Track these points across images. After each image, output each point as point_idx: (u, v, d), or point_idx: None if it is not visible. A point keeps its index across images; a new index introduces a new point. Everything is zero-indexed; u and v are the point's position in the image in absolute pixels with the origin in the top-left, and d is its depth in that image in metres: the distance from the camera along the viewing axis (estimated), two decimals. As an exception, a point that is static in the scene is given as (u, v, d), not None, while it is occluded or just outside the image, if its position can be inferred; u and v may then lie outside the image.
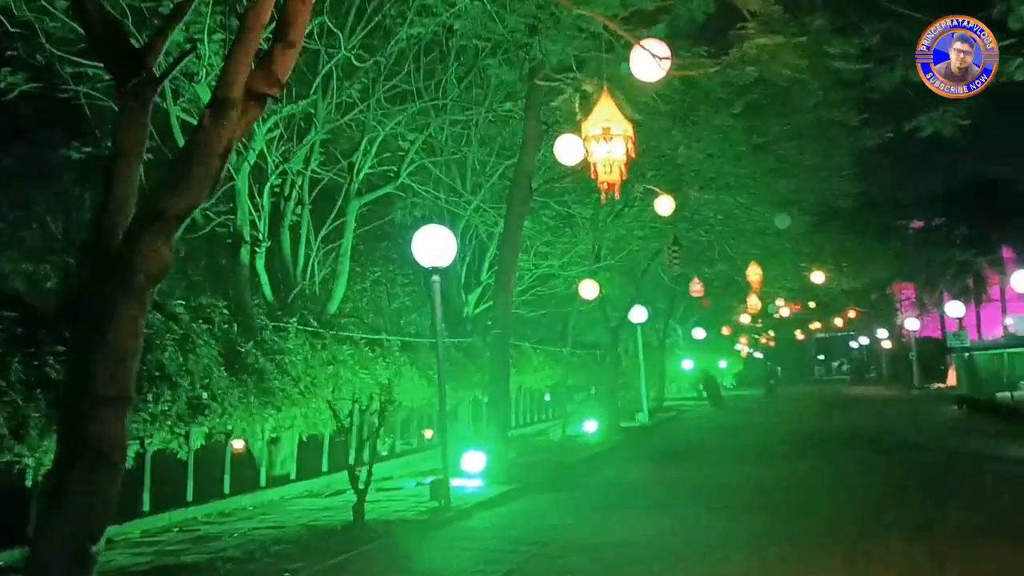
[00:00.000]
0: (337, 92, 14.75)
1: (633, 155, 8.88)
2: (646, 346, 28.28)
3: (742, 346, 54.98)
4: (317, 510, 11.68)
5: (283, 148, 15.05)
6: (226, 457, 12.33)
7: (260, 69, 5.79)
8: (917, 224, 50.33)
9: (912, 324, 43.20)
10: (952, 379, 39.19)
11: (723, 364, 51.93)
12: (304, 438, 14.47)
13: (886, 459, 16.48)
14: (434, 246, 11.28)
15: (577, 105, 12.47)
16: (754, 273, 23.17)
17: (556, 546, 9.23)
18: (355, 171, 16.04)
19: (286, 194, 15.70)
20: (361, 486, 10.10)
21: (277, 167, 14.75)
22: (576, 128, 12.05)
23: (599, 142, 9.54)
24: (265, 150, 14.28)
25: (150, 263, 5.46)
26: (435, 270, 11.44)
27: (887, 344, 54.08)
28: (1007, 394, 26.18)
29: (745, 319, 40.20)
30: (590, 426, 22.58)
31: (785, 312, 37.89)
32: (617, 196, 8.57)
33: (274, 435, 13.49)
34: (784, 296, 31.82)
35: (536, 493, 13.20)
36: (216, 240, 15.28)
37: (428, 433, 19.38)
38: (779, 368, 60.71)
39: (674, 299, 33.22)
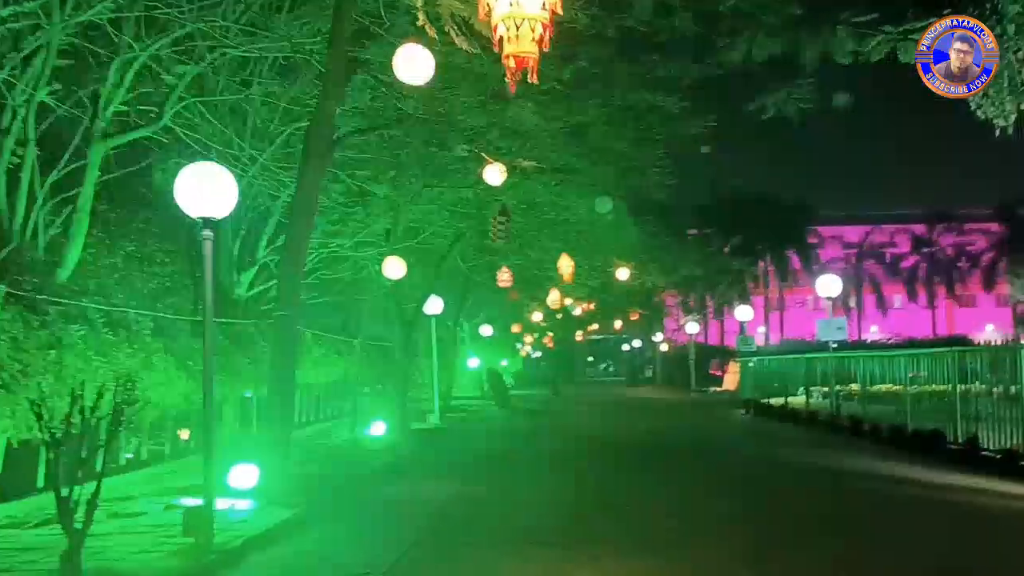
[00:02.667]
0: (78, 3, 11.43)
1: (558, 10, 6.11)
2: (437, 342, 26.01)
3: (527, 345, 54.23)
4: (14, 551, 8.26)
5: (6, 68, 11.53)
6: None
7: None
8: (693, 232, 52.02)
9: (692, 328, 43.98)
10: (729, 383, 40.13)
11: (504, 363, 50.88)
12: (15, 444, 10.86)
13: (712, 471, 15.19)
14: (207, 190, 8.29)
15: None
16: (566, 265, 21.45)
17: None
18: (101, 104, 12.57)
19: (4, 127, 12.11)
20: (78, 524, 6.96)
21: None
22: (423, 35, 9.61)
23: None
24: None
25: None
26: (207, 223, 8.43)
27: (664, 347, 55.33)
28: (782, 399, 26.41)
29: (538, 316, 39.00)
30: (378, 428, 19.93)
31: (577, 311, 37.04)
32: (534, 79, 6.07)
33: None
34: (581, 295, 30.71)
35: (326, 521, 10.41)
36: None
37: (184, 434, 15.98)
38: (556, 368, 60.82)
39: (467, 292, 31.24)
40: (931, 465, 13.91)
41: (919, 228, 66.21)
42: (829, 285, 22.97)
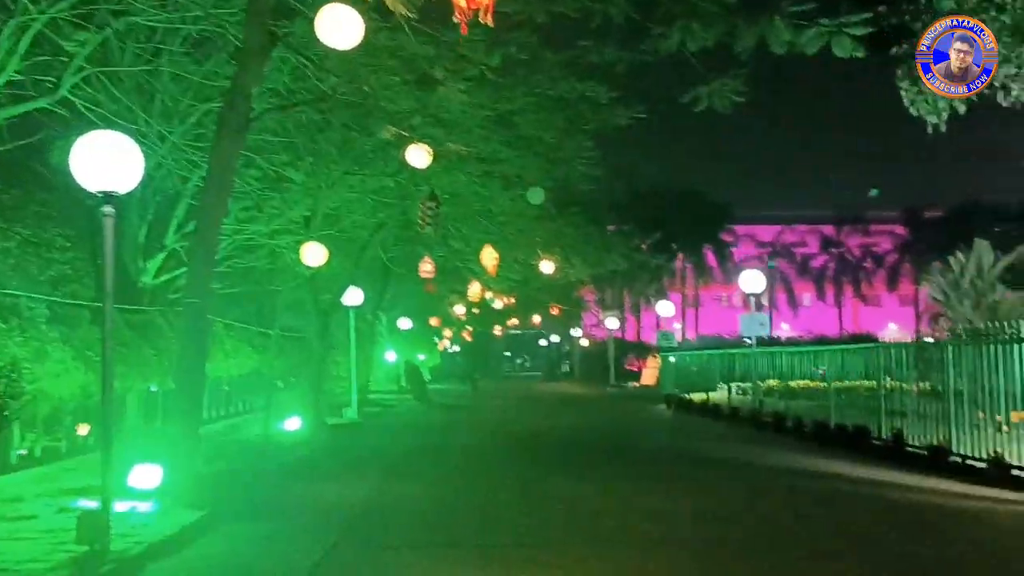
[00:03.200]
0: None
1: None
2: (355, 334, 25.16)
3: (445, 339, 53.53)
4: None
5: None
6: None
7: None
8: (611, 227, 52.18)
9: (612, 323, 44.04)
10: (647, 378, 40.30)
11: (421, 357, 50.15)
12: None
13: (638, 468, 14.90)
14: (107, 161, 7.47)
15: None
16: (489, 257, 20.85)
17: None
18: (-11, 70, 11.51)
19: None
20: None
21: None
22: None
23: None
24: None
25: None
26: (108, 199, 7.61)
27: (584, 342, 55.38)
28: (703, 394, 26.49)
29: (460, 309, 38.36)
30: (293, 423, 19.08)
31: (498, 305, 36.58)
32: (488, 20, 5.47)
33: None
34: (502, 287, 30.22)
35: (235, 523, 9.67)
36: None
37: (84, 429, 14.94)
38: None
39: (387, 284, 30.42)
40: (857, 461, 13.88)
41: (828, 229, 68.10)
42: (752, 281, 23.01)
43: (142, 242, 17.53)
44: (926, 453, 12.94)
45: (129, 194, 17.00)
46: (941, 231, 60.08)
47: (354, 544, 8.71)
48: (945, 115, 12.18)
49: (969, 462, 12.11)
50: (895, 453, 13.68)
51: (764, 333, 22.10)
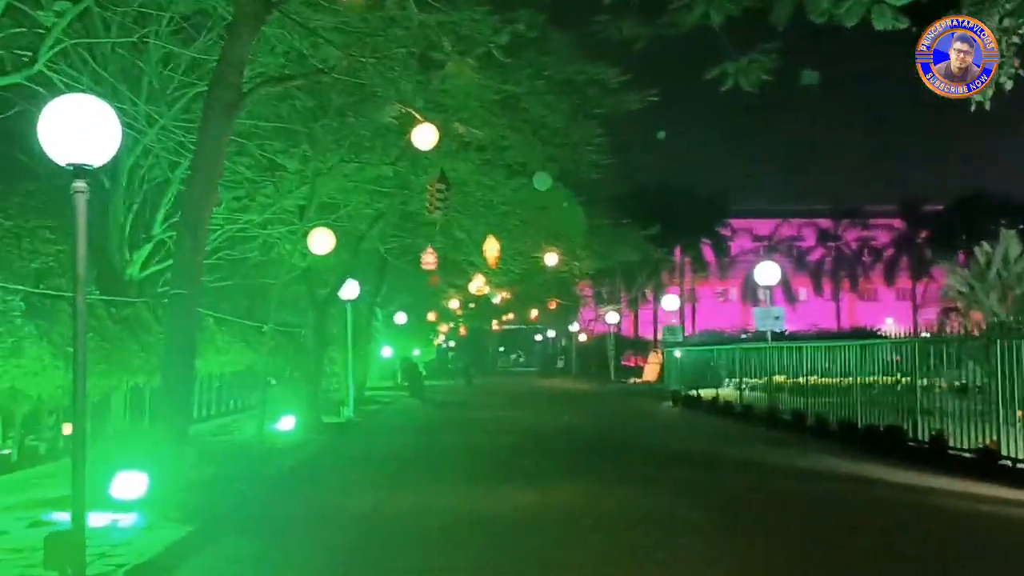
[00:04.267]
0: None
1: None
2: (352, 329, 24.23)
3: (441, 334, 52.62)
4: None
5: None
6: None
7: None
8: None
9: (612, 318, 43.20)
10: (649, 374, 39.43)
11: (416, 352, 49.29)
12: None
13: (664, 474, 13.92)
14: (79, 129, 6.50)
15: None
16: (491, 248, 19.88)
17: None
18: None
19: None
20: None
21: None
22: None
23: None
24: None
25: None
26: (79, 173, 6.64)
27: (583, 337, 54.51)
28: (710, 391, 25.65)
29: (454, 304, 37.41)
30: (287, 422, 18.14)
31: (496, 299, 35.67)
32: None
33: None
34: (503, 281, 29.28)
35: (229, 537, 8.72)
36: None
37: (67, 428, 13.95)
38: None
39: (383, 277, 29.48)
40: (894, 464, 12.92)
41: (825, 223, 67.29)
42: (768, 272, 22.05)
43: (128, 232, 16.57)
44: (972, 456, 12.03)
45: (115, 180, 16.35)
46: (942, 225, 59.50)
47: (363, 567, 7.75)
48: (991, 92, 11.36)
49: (1021, 466, 11.23)
50: (936, 456, 12.74)
51: (779, 328, 21.18)
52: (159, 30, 13.78)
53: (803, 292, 68.26)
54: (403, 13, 12.08)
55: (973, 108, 11.71)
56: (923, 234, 62.68)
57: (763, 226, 67.20)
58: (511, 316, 57.32)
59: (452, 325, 52.18)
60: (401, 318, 39.25)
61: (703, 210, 56.34)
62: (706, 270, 61.99)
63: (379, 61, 13.70)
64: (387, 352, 39.66)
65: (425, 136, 12.77)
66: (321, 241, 15.62)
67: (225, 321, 20.73)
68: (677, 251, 60.02)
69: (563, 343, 65.84)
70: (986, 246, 18.95)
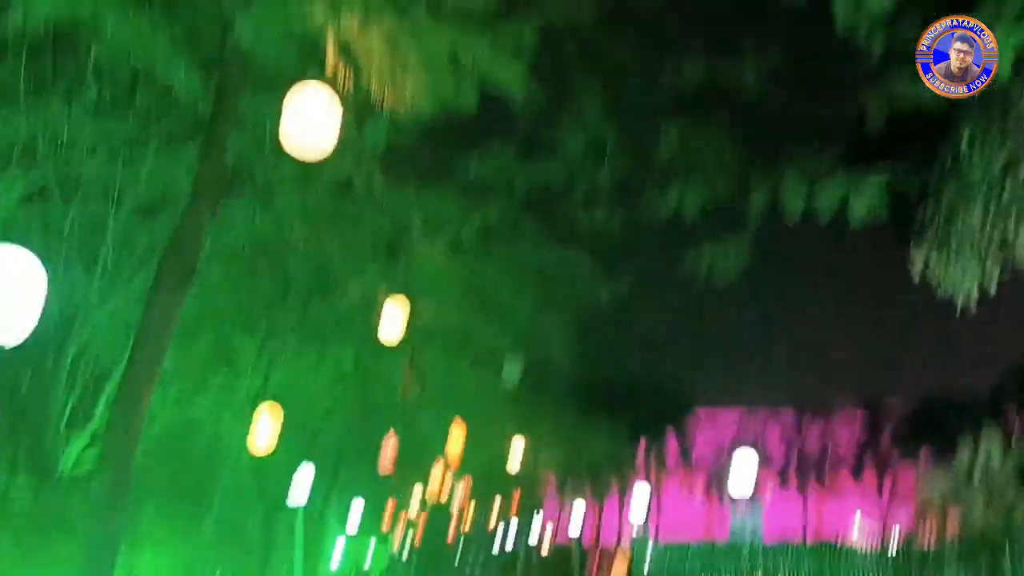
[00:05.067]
0: None
1: None
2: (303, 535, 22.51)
3: (396, 542, 49.51)
4: None
5: None
6: None
7: None
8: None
9: (577, 516, 41.21)
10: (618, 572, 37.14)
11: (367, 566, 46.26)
12: None
13: None
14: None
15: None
16: (455, 442, 18.40)
17: None
18: None
19: None
20: None
21: None
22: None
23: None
24: None
25: None
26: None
27: (544, 552, 51.37)
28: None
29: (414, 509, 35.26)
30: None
31: (456, 503, 33.77)
32: None
33: None
34: (465, 473, 27.74)
35: None
36: None
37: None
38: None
39: (337, 475, 27.70)
40: None
41: (789, 416, 66.94)
42: (746, 459, 20.31)
43: (66, 421, 15.29)
44: None
45: (57, 365, 15.20)
46: (909, 424, 59.33)
47: None
48: (975, 294, 11.01)
49: None
50: None
51: (757, 540, 19.58)
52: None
53: (768, 489, 66.81)
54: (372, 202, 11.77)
55: (959, 313, 11.27)
56: (887, 431, 62.47)
57: (727, 416, 66.64)
58: (469, 519, 54.59)
59: (409, 532, 49.38)
60: (353, 524, 36.95)
61: (669, 404, 55.88)
62: (669, 466, 60.57)
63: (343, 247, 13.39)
64: (336, 561, 37.06)
65: (393, 320, 12.01)
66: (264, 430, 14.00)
67: (164, 510, 19.11)
68: (641, 446, 58.89)
69: (521, 554, 62.27)
70: (969, 445, 18.31)
